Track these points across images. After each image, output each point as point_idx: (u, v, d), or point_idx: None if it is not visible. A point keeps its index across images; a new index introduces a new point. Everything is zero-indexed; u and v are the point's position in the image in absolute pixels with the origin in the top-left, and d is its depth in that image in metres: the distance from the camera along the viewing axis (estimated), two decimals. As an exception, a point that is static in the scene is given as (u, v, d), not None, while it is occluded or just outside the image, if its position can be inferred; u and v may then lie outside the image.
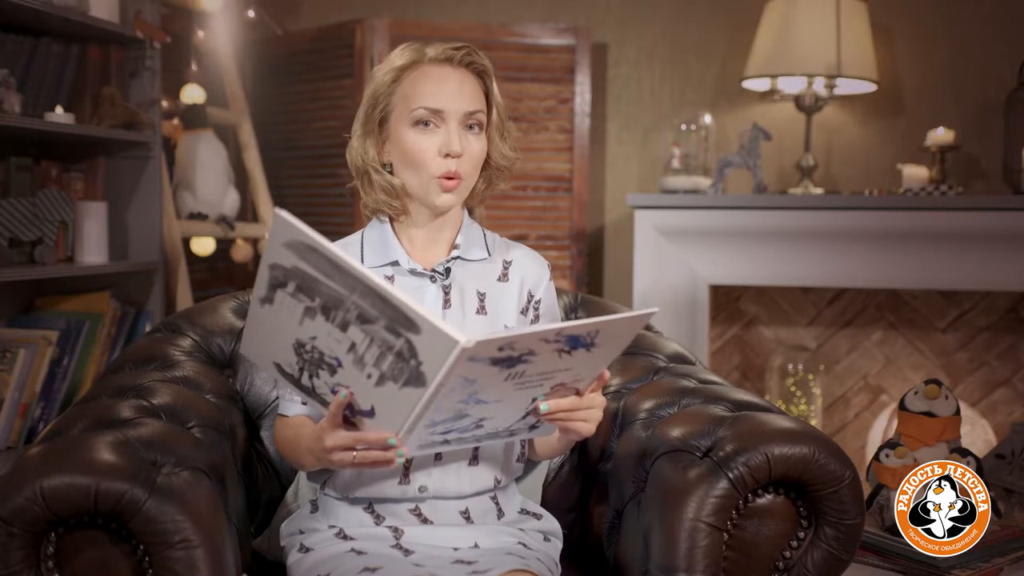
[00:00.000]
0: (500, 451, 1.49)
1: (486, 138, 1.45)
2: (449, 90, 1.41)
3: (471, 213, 1.55)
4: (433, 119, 1.41)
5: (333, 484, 1.47)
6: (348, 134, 1.51)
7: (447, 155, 1.40)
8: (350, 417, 1.25)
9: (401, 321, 1.11)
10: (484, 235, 1.54)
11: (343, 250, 1.49)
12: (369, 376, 1.18)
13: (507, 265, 1.52)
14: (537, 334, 1.14)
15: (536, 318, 1.53)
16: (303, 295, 1.16)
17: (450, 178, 1.41)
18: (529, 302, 1.52)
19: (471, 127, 1.43)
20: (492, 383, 1.18)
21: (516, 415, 1.27)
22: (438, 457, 1.43)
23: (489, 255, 1.52)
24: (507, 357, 1.15)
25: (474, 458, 1.46)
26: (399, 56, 1.45)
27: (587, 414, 1.30)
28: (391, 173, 1.46)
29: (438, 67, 1.43)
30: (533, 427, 1.32)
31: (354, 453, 1.25)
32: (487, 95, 1.46)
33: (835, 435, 3.34)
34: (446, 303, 1.47)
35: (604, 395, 1.35)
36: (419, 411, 1.17)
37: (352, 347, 1.17)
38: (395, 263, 1.48)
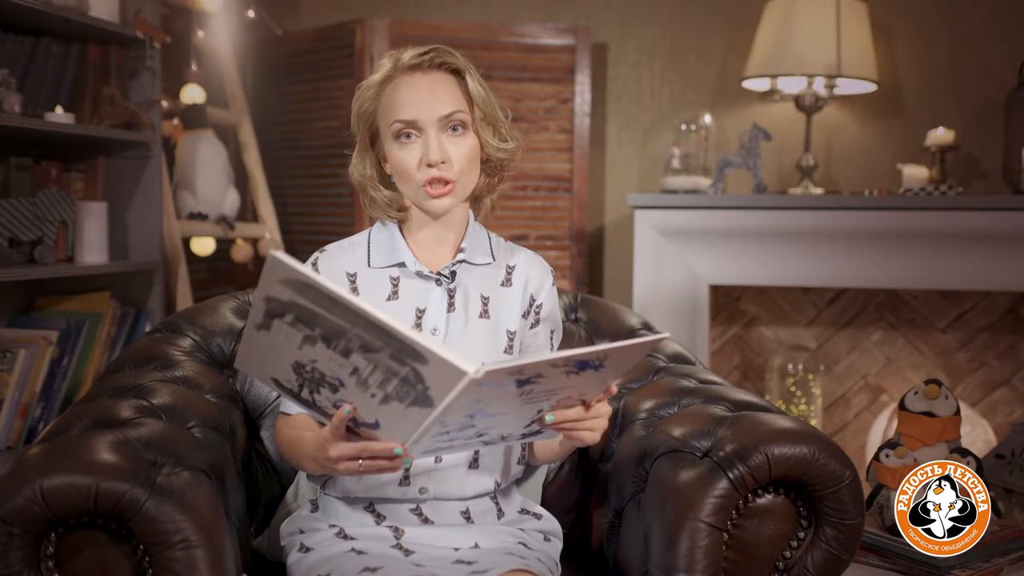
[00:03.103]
0: (500, 455, 1.49)
1: (474, 135, 1.45)
2: (421, 97, 1.41)
3: (479, 205, 1.54)
4: (411, 130, 1.41)
5: (333, 486, 1.48)
6: (349, 151, 1.51)
7: (429, 164, 1.40)
8: (354, 428, 1.23)
9: (407, 352, 1.09)
10: (489, 239, 1.54)
11: (350, 250, 1.50)
12: (373, 396, 1.16)
13: (510, 270, 1.53)
14: (546, 361, 1.13)
15: (536, 322, 1.54)
16: (302, 325, 1.13)
17: (437, 183, 1.41)
18: (531, 306, 1.53)
19: (453, 128, 1.42)
20: (500, 399, 1.17)
21: (521, 424, 1.27)
22: (438, 460, 1.44)
23: (493, 259, 1.52)
24: (515, 380, 1.14)
25: (474, 462, 1.46)
26: (376, 71, 1.46)
27: (593, 423, 1.29)
28: (394, 185, 1.47)
29: (409, 76, 1.43)
30: (537, 432, 1.31)
31: (360, 462, 1.24)
32: (468, 93, 1.45)
33: (835, 435, 3.34)
34: (450, 306, 1.47)
35: (606, 399, 1.35)
36: (425, 427, 1.16)
37: (355, 371, 1.15)
38: (401, 264, 1.48)
